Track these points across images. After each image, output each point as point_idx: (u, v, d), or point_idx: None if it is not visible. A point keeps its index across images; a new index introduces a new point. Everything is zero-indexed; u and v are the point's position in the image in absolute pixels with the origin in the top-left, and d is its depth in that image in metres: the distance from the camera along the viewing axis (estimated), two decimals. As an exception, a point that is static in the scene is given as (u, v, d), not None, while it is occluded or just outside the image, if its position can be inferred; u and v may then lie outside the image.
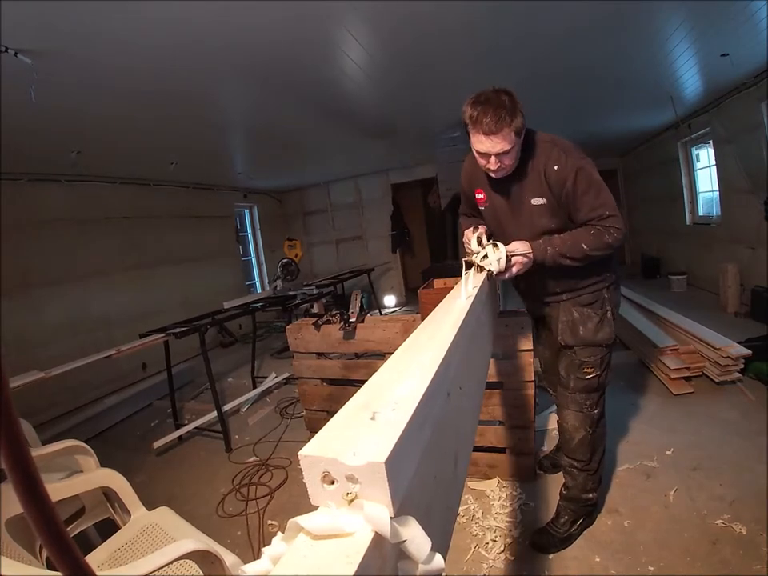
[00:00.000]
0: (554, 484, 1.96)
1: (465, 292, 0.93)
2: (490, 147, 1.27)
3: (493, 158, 1.30)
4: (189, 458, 2.69)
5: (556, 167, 1.33)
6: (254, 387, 3.69)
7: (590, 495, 1.64)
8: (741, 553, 1.45)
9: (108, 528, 1.52)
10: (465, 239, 1.50)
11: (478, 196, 1.58)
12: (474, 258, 1.29)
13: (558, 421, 1.77)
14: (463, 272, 1.12)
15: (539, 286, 1.58)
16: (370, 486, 0.30)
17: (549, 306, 1.63)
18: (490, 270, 1.23)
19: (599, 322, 1.53)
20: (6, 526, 1.12)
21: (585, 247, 1.33)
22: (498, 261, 1.25)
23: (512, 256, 1.29)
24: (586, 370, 1.56)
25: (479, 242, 1.39)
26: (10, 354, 3.26)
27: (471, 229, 1.49)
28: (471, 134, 1.31)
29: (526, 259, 1.31)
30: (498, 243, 1.31)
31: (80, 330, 3.99)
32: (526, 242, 1.33)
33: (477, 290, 0.96)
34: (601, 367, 1.56)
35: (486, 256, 1.27)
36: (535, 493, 1.93)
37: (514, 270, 1.31)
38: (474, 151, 1.35)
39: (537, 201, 1.41)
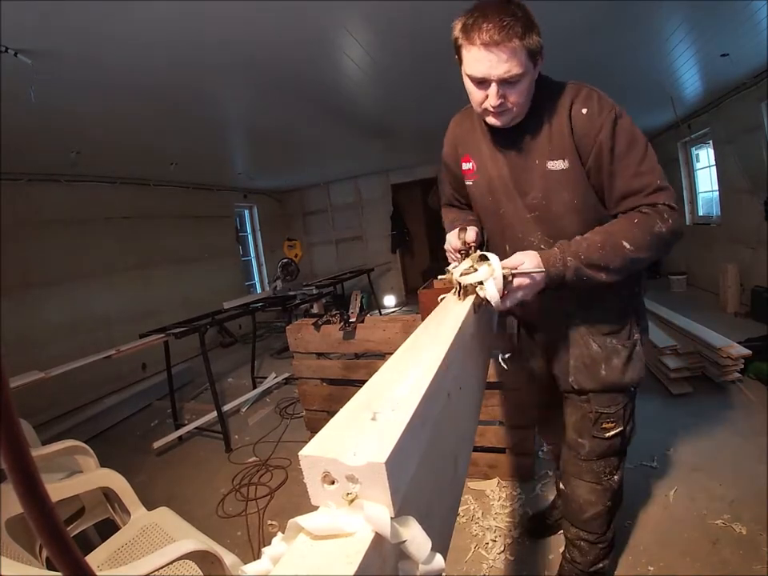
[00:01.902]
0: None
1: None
2: (489, 67, 0.85)
3: (494, 88, 0.87)
4: (189, 458, 2.69)
5: (585, 110, 0.93)
6: (254, 387, 3.69)
7: (601, 565, 1.32)
8: (741, 553, 1.44)
9: (108, 528, 1.52)
10: (447, 245, 1.11)
11: (465, 166, 1.13)
12: (455, 273, 0.88)
13: (560, 489, 1.36)
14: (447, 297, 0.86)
15: (538, 304, 1.04)
16: (370, 486, 0.30)
17: (553, 333, 1.19)
18: (482, 298, 0.83)
19: (628, 356, 1.10)
20: (5, 525, 1.12)
21: (627, 247, 0.87)
22: (494, 282, 0.82)
23: (514, 276, 0.86)
24: (605, 426, 1.13)
25: (466, 252, 1.01)
26: (9, 354, 3.26)
27: (457, 230, 1.07)
28: (464, 54, 0.88)
29: (530, 281, 0.86)
30: (490, 255, 0.87)
31: (80, 330, 3.99)
32: (534, 254, 0.88)
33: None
34: (625, 419, 1.15)
35: (480, 281, 0.83)
36: (535, 493, 1.92)
37: (519, 295, 0.86)
38: (467, 81, 0.92)
39: (555, 164, 0.97)
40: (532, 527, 1.68)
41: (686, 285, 5.40)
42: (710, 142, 4.65)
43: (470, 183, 1.15)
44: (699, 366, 2.74)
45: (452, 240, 1.07)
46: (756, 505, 1.63)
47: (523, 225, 1.08)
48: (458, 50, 0.91)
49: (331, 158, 5.35)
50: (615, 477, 1.21)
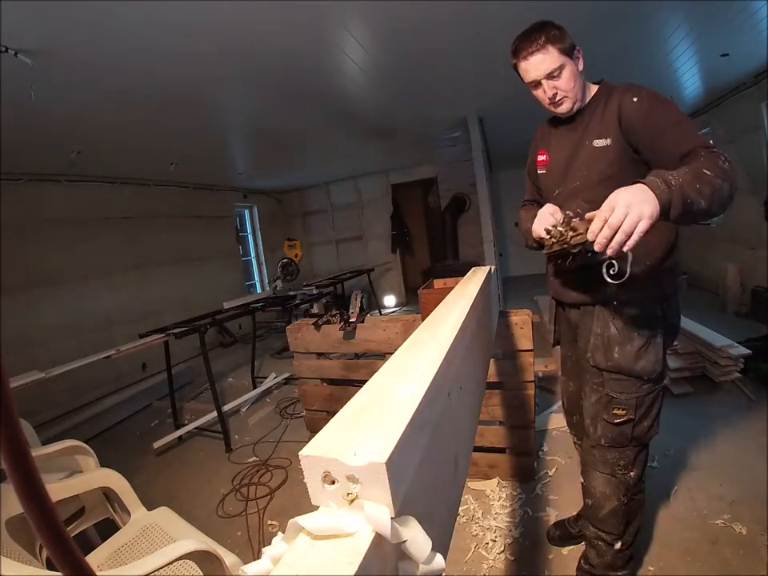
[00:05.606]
0: (555, 485, 1.96)
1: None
2: (534, 71, 1.10)
3: (544, 85, 1.11)
4: (189, 459, 2.69)
5: (635, 99, 1.08)
6: (254, 387, 3.69)
7: (619, 574, 1.30)
8: (741, 553, 1.44)
9: (108, 528, 1.52)
10: (542, 218, 1.11)
11: (540, 158, 1.32)
12: (558, 234, 0.98)
13: (582, 483, 1.37)
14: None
15: (580, 281, 1.21)
16: (370, 487, 0.30)
17: (585, 311, 1.26)
18: (583, 245, 0.91)
19: (643, 345, 1.14)
20: (5, 525, 1.12)
21: (708, 173, 0.87)
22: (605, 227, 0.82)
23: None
24: (615, 412, 1.18)
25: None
26: (9, 354, 3.26)
27: (553, 206, 1.14)
28: (519, 70, 1.15)
29: (649, 209, 0.80)
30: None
31: (80, 330, 3.99)
32: (633, 187, 0.84)
33: (478, 289, 0.95)
34: (636, 411, 1.17)
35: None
36: (535, 493, 1.92)
37: (643, 226, 0.79)
38: (529, 89, 1.17)
39: (599, 142, 1.13)
40: (555, 534, 1.62)
41: (686, 285, 5.41)
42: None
43: (542, 172, 1.32)
44: (699, 366, 2.74)
45: (551, 211, 1.12)
46: (756, 505, 1.63)
47: (571, 194, 1.21)
48: (516, 70, 1.16)
49: (331, 158, 5.35)
50: (631, 473, 1.23)
